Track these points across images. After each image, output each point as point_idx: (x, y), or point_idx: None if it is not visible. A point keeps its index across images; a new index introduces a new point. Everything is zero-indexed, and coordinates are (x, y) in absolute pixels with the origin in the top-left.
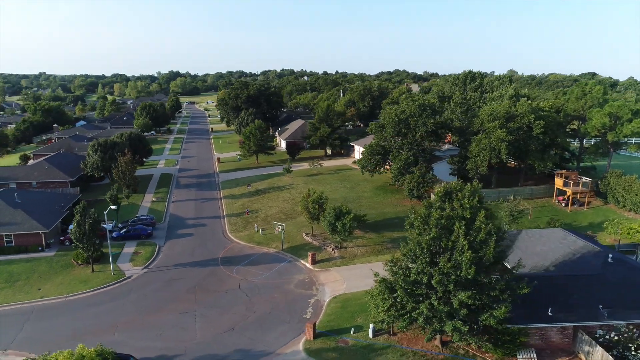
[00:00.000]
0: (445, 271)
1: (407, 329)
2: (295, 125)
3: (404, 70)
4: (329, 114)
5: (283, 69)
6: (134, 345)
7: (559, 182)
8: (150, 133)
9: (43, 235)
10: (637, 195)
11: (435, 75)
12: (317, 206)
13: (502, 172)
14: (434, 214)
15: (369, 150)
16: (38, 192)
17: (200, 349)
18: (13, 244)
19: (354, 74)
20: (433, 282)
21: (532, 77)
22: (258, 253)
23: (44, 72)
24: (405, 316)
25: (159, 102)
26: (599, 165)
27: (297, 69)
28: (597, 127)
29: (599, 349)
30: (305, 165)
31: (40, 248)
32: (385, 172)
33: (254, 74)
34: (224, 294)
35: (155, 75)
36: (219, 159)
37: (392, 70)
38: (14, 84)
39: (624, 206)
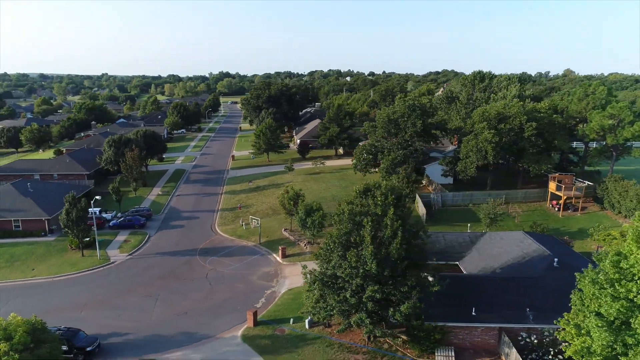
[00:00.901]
0: (352, 265)
1: (327, 320)
2: (312, 125)
3: (452, 71)
4: (339, 114)
5: (330, 70)
6: (93, 322)
7: (552, 186)
8: (180, 131)
9: (46, 222)
10: (632, 201)
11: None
12: (292, 202)
13: (507, 175)
14: (345, 209)
15: (360, 150)
16: (51, 183)
17: (149, 329)
18: (20, 228)
19: (400, 74)
20: (343, 275)
21: (589, 77)
22: (236, 246)
23: (106, 73)
24: (327, 308)
25: (194, 102)
26: (607, 170)
27: (345, 69)
28: (595, 130)
29: (514, 350)
30: (311, 164)
31: (43, 233)
32: (377, 172)
33: (301, 74)
34: (190, 281)
35: (207, 75)
36: (233, 156)
37: (440, 71)
38: (77, 84)
39: (619, 212)
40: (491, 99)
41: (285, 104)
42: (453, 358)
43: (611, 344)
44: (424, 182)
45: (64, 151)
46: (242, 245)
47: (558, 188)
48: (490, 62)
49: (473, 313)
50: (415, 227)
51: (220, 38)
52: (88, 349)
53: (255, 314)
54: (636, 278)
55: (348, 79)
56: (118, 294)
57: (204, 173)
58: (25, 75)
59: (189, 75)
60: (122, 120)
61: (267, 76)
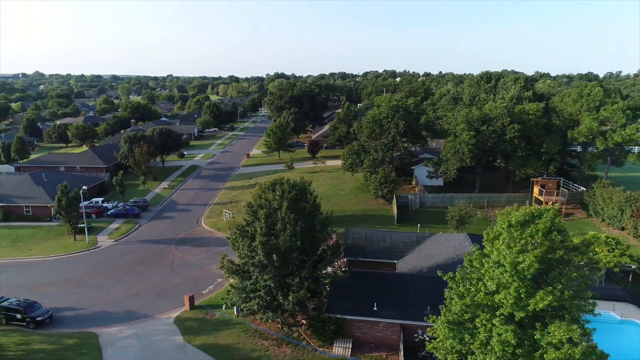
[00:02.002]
0: (247, 254)
1: (240, 305)
2: (328, 125)
3: (512, 71)
4: (348, 115)
5: (385, 70)
6: (58, 297)
7: (536, 191)
8: (213, 130)
9: (52, 208)
10: (613, 208)
11: (547, 75)
12: None
13: (504, 178)
14: (249, 202)
15: (348, 150)
16: (66, 174)
17: (101, 306)
18: (30, 213)
19: (452, 74)
20: (241, 264)
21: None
22: (211, 237)
23: (171, 74)
24: (242, 295)
25: (232, 102)
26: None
27: (401, 69)
28: (584, 133)
29: (401, 346)
30: (318, 163)
31: (48, 218)
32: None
33: (355, 75)
34: (156, 267)
35: (264, 77)
36: (248, 154)
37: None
38: (143, 85)
39: (603, 220)
40: (491, 100)
41: (307, 104)
42: (350, 350)
43: (452, 340)
44: (413, 182)
45: (97, 146)
46: (218, 237)
47: (541, 193)
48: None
49: (375, 308)
50: (325, 223)
51: (281, 40)
52: (38, 318)
53: (192, 299)
54: (485, 279)
55: (398, 79)
56: (90, 275)
57: (215, 169)
58: (99, 77)
59: (247, 76)
60: (163, 119)
61: (321, 77)
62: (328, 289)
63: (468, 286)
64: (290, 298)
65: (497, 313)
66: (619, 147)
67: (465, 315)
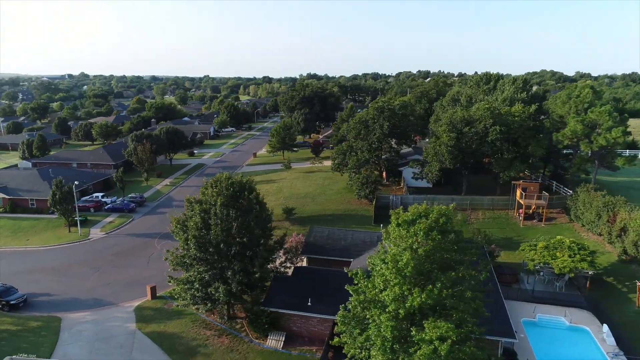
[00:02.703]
0: (184, 246)
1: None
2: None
3: (551, 71)
4: (350, 115)
5: (419, 71)
6: (38, 284)
7: (518, 194)
8: (230, 129)
9: None
10: (591, 213)
11: (587, 75)
12: None
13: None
14: (187, 197)
15: (336, 150)
16: (73, 170)
17: (73, 294)
18: (35, 206)
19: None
20: (179, 256)
21: None
22: None
23: (207, 75)
24: (181, 286)
25: (252, 102)
26: (601, 180)
27: (435, 69)
28: (568, 136)
29: (327, 340)
30: (316, 163)
31: (50, 211)
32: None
33: (387, 75)
34: (135, 259)
35: (297, 77)
36: (255, 154)
37: (538, 70)
38: (179, 85)
39: (583, 225)
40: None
41: (317, 105)
42: (282, 342)
43: (346, 335)
44: (402, 184)
45: (113, 143)
46: None
47: (522, 196)
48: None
49: (309, 304)
50: (265, 220)
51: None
52: (12, 302)
53: (154, 289)
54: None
55: (427, 80)
56: (74, 264)
57: (219, 168)
58: (139, 78)
59: (281, 77)
60: (185, 118)
61: (354, 77)
62: (267, 284)
63: (366, 282)
64: (220, 290)
65: (387, 310)
66: (605, 150)
67: (358, 310)
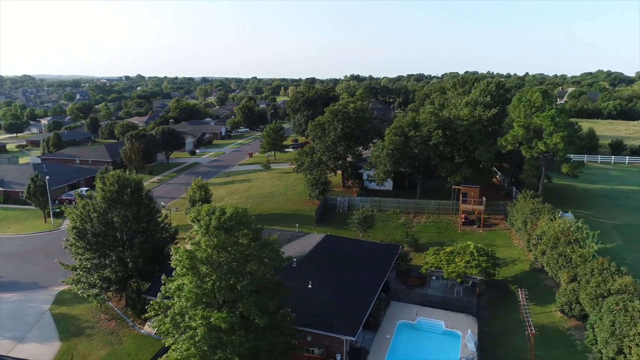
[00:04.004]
0: (73, 236)
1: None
2: None
3: (607, 71)
4: None
5: (467, 71)
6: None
7: (460, 199)
8: (244, 130)
9: None
10: (517, 220)
11: None
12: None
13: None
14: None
15: (299, 152)
16: (66, 166)
17: (19, 277)
18: (25, 197)
19: (532, 75)
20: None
21: None
22: None
23: (255, 77)
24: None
25: (272, 104)
26: (561, 186)
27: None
28: (509, 141)
29: None
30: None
31: (24, 203)
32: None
33: (433, 76)
34: None
35: (342, 78)
36: (251, 154)
37: (593, 72)
38: (225, 86)
39: (516, 232)
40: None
41: (320, 107)
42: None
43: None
44: (360, 186)
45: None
46: None
47: (464, 201)
48: None
49: None
50: (151, 215)
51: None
52: None
53: None
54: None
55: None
56: (33, 251)
57: (211, 167)
58: (190, 79)
59: (325, 78)
60: (208, 119)
61: (398, 78)
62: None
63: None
64: (95, 275)
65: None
66: (548, 155)
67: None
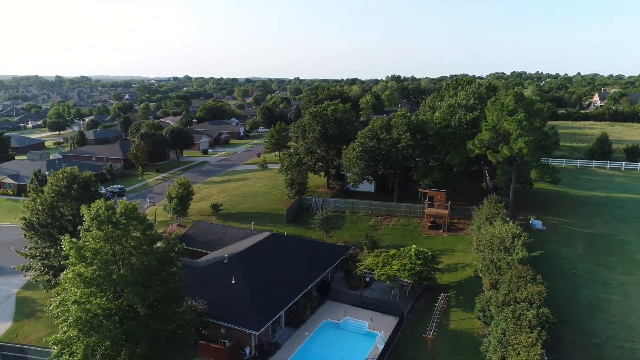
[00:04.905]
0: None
1: None
2: None
3: None
4: None
5: (514, 72)
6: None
7: (425, 203)
8: (264, 130)
9: None
10: (474, 225)
11: None
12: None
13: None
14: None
15: (284, 153)
16: (78, 162)
17: (3, 262)
18: (29, 191)
19: (581, 76)
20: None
21: None
22: None
23: (298, 77)
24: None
25: (296, 105)
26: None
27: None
28: (476, 145)
29: None
30: None
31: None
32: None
33: (479, 76)
34: None
35: (384, 79)
36: (259, 154)
37: None
38: (267, 86)
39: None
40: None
41: None
42: None
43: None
44: (341, 187)
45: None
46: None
47: (430, 205)
48: None
49: None
50: None
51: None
52: None
53: None
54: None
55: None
56: (20, 240)
57: (217, 166)
58: (234, 80)
59: (365, 79)
60: (233, 119)
61: (440, 79)
62: None
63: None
64: (39, 264)
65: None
66: (518, 160)
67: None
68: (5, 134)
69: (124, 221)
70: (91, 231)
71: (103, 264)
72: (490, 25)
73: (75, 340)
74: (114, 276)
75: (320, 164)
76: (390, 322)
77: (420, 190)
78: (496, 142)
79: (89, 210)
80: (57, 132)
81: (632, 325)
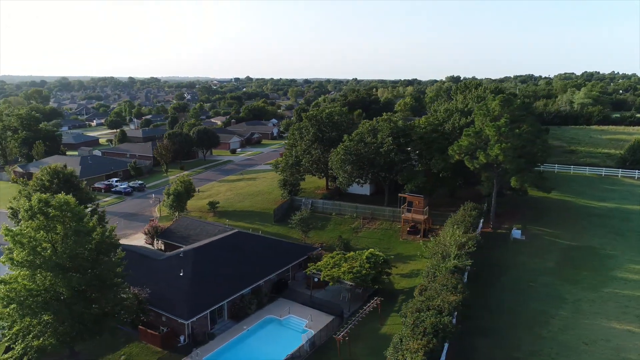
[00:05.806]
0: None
1: None
2: None
3: None
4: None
5: (584, 72)
6: None
7: (404, 207)
8: None
9: None
10: (445, 231)
11: None
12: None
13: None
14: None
15: (285, 153)
16: (109, 158)
17: None
18: None
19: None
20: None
21: None
22: (144, 215)
23: (356, 78)
24: None
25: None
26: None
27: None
28: (456, 150)
29: None
30: None
31: None
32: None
33: (542, 77)
34: None
35: (444, 79)
36: (281, 154)
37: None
38: (322, 87)
39: None
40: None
41: (360, 110)
42: None
43: None
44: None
45: None
46: (151, 217)
47: (408, 210)
48: None
49: None
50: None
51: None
52: None
53: None
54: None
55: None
56: None
57: (239, 165)
58: (292, 80)
59: (424, 79)
60: (273, 120)
61: (503, 79)
62: None
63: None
64: None
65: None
66: (497, 166)
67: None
68: (61, 130)
69: (56, 213)
70: (27, 220)
71: (31, 250)
72: (563, 22)
73: (6, 316)
74: (37, 261)
75: (316, 165)
76: (330, 321)
77: (399, 195)
78: (475, 148)
79: (29, 202)
80: (115, 130)
81: (564, 341)
